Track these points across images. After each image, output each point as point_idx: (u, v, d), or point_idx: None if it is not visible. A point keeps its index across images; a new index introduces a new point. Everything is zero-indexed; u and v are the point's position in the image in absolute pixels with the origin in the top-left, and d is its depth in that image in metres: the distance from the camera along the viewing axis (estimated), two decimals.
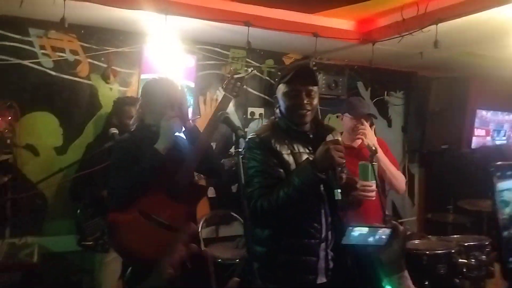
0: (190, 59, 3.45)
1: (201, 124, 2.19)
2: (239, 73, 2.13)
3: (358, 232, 1.07)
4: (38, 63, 3.00)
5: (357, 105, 2.67)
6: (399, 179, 2.61)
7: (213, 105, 3.58)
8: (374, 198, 2.39)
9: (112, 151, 2.11)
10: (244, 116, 3.80)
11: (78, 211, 2.72)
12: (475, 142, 4.59)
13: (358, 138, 2.63)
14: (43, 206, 3.01)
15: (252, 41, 2.95)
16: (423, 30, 2.62)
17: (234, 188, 3.65)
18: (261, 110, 3.84)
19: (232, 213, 3.61)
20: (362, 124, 2.57)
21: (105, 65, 3.16)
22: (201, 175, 3.36)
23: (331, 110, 4.14)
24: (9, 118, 2.79)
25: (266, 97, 3.82)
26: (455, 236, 2.86)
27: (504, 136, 5.08)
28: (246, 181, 1.65)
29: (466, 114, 4.27)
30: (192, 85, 3.49)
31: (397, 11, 2.75)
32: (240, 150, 1.65)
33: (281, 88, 1.87)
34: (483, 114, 4.82)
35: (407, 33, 2.75)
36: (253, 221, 1.88)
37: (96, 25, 3.06)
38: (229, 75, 2.14)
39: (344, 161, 1.74)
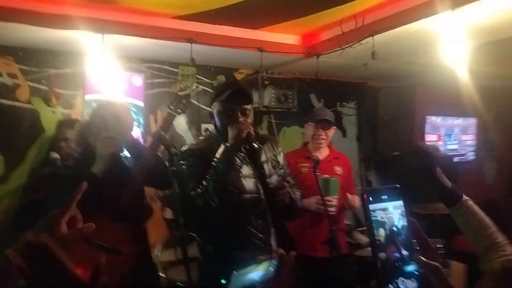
0: (137, 78, 3.40)
1: None
2: (185, 91, 2.13)
3: (244, 274, 1.06)
4: None
5: (317, 113, 2.84)
6: (355, 200, 2.75)
7: None
8: (334, 213, 2.51)
9: (52, 178, 2.06)
10: (198, 133, 3.76)
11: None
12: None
13: (319, 146, 2.78)
14: None
15: (200, 58, 2.93)
16: (361, 42, 2.69)
17: None
18: None
19: (191, 233, 3.53)
20: (323, 129, 2.76)
21: (46, 88, 3.05)
22: (155, 197, 3.27)
23: (286, 123, 4.19)
24: None
25: None
26: None
27: (454, 140, 5.28)
28: (182, 187, 1.68)
29: (415, 121, 4.41)
30: (141, 104, 3.43)
31: (337, 25, 2.82)
32: (173, 168, 1.66)
33: (216, 106, 1.88)
34: (433, 120, 5.00)
35: (347, 45, 2.82)
36: (199, 235, 1.89)
37: (35, 46, 2.96)
38: (175, 93, 2.15)
39: (251, 132, 1.80)
